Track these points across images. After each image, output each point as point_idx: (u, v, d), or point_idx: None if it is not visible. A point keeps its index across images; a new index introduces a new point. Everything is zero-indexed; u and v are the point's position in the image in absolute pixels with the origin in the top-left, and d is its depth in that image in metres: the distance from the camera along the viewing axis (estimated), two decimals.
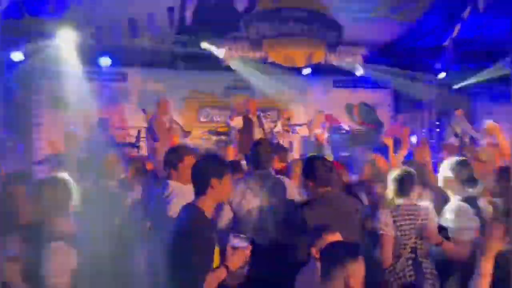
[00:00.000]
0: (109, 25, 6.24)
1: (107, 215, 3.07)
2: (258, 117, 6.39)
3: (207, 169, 2.36)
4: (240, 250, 2.21)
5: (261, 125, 6.27)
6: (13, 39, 6.23)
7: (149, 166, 4.90)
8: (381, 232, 2.98)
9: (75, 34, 6.32)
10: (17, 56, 6.52)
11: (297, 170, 3.62)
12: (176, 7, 6.14)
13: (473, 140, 7.85)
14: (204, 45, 7.10)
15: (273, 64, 7.36)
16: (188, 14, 5.16)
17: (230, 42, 7.00)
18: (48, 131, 7.22)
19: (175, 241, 2.19)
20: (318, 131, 7.05)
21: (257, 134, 6.09)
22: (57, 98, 7.23)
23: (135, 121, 7.68)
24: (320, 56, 7.46)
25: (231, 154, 7.19)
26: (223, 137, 7.75)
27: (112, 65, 7.54)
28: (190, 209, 2.32)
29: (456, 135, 7.96)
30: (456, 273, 2.97)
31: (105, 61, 7.41)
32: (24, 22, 5.90)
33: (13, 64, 6.62)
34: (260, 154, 3.22)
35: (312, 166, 2.90)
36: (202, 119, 8.71)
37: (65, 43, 6.47)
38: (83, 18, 5.87)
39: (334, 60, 7.63)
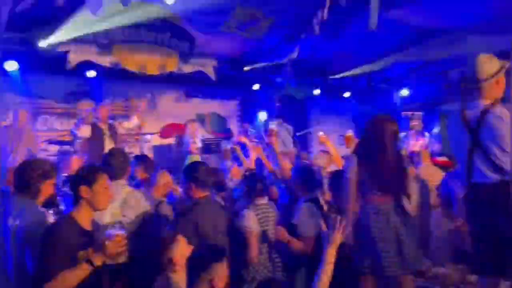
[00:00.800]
0: None
1: None
2: (110, 125, 6.03)
3: (75, 177, 2.27)
4: (114, 239, 2.10)
5: (113, 134, 5.91)
6: None
7: None
8: (248, 230, 3.18)
9: None
10: None
11: (162, 180, 3.58)
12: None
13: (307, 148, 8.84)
14: (43, 44, 6.40)
15: (123, 70, 7.06)
16: (23, 10, 4.57)
17: (76, 44, 6.47)
18: None
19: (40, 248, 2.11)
20: (194, 140, 7.14)
21: (108, 143, 5.74)
22: None
23: None
24: (173, 65, 7.47)
25: (75, 165, 6.65)
26: (65, 147, 7.08)
27: None
28: (62, 219, 2.18)
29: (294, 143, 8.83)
30: (303, 264, 3.35)
31: None
32: None
33: None
34: (112, 164, 3.09)
35: (195, 170, 2.95)
36: (39, 127, 7.81)
37: None
38: None
39: (187, 70, 7.72)
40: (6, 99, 7.30)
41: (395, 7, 6.43)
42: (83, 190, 2.25)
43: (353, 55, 8.84)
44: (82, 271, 2.08)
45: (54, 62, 6.69)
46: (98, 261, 2.09)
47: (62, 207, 4.73)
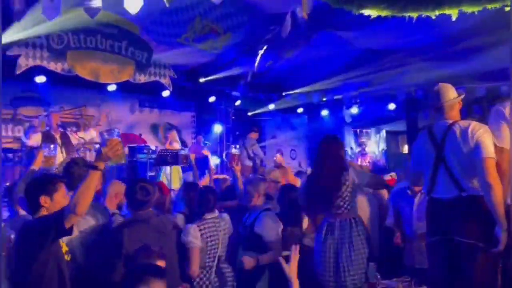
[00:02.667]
0: None
1: None
2: (63, 134, 5.80)
3: (35, 188, 2.29)
4: (109, 143, 2.25)
5: (65, 143, 5.69)
6: None
7: None
8: (190, 245, 3.19)
9: None
10: None
11: (113, 191, 3.47)
12: None
13: (261, 162, 8.98)
14: None
15: (75, 77, 6.84)
16: None
17: (27, 48, 6.20)
18: None
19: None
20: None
21: (60, 153, 5.50)
22: None
23: None
24: (128, 74, 7.33)
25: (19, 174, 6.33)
26: (9, 155, 6.72)
27: None
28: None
29: (249, 157, 8.94)
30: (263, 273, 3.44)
31: None
32: None
33: None
34: (74, 174, 3.00)
35: (131, 189, 2.89)
36: None
37: None
38: None
39: (143, 79, 7.62)
40: None
41: (347, 29, 6.77)
42: (43, 199, 2.28)
43: (307, 73, 9.14)
44: (92, 177, 2.21)
45: (2, 65, 6.35)
46: (101, 165, 2.22)
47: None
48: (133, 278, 2.07)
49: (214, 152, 9.13)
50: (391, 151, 12.24)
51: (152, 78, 7.78)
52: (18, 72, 6.14)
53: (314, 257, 3.35)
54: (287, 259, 2.37)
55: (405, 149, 11.70)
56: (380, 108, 10.43)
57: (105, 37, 6.84)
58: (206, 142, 9.16)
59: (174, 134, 8.03)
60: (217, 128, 10.00)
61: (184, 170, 7.36)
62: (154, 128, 9.21)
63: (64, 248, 2.61)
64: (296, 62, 8.61)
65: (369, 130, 12.40)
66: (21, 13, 5.41)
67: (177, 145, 7.76)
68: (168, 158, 6.67)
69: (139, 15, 6.12)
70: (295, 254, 2.30)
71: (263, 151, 10.88)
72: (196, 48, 7.77)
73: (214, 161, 8.52)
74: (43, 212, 2.29)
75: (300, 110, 11.09)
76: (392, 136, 12.48)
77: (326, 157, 3.37)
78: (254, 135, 8.97)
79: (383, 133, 12.54)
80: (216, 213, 3.44)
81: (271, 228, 3.44)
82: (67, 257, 2.55)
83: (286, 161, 10.45)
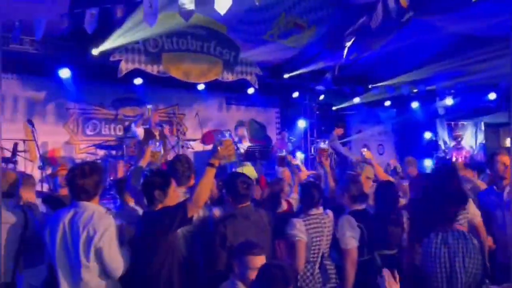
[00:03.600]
0: None
1: None
2: (161, 131, 6.24)
3: (152, 184, 2.56)
4: (223, 144, 2.59)
5: (163, 138, 6.11)
6: None
7: None
8: (296, 239, 3.19)
9: None
10: None
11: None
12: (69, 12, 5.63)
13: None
14: (95, 52, 6.66)
15: (169, 77, 7.26)
16: (87, 20, 4.79)
17: (127, 53, 6.72)
18: None
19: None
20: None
21: None
22: None
23: (9, 133, 6.84)
24: (217, 73, 7.60)
25: (121, 169, 6.88)
26: (112, 152, 7.35)
27: None
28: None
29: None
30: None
31: None
32: None
33: None
34: (178, 171, 3.19)
35: (232, 183, 2.99)
36: (88, 132, 8.15)
37: None
38: None
39: (230, 78, 7.84)
40: (58, 104, 7.72)
41: (440, 13, 6.32)
42: (158, 193, 2.54)
43: (396, 63, 8.72)
44: (208, 173, 2.56)
45: (105, 69, 6.97)
46: (216, 162, 2.54)
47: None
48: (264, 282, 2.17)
49: (298, 148, 9.09)
50: (491, 145, 11.22)
51: (239, 76, 7.96)
52: (120, 76, 6.66)
53: (425, 268, 3.27)
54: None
55: (507, 142, 10.66)
56: (478, 98, 9.62)
57: (195, 39, 7.16)
58: (290, 137, 9.18)
59: (243, 130, 8.13)
60: (301, 124, 9.97)
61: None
62: (241, 125, 9.44)
63: None
64: (383, 52, 8.23)
65: (465, 123, 11.50)
66: (121, 21, 5.86)
67: (246, 142, 7.79)
68: (256, 153, 6.79)
69: (226, 15, 6.32)
70: (390, 280, 2.19)
71: (348, 147, 10.60)
72: (281, 44, 7.80)
73: (299, 156, 8.48)
74: (158, 204, 2.50)
75: (387, 103, 10.62)
76: (491, 129, 11.44)
77: (447, 184, 3.36)
78: (338, 131, 8.76)
79: (482, 125, 11.55)
80: (321, 209, 3.40)
81: (345, 234, 3.30)
82: None
83: (374, 157, 10.03)
